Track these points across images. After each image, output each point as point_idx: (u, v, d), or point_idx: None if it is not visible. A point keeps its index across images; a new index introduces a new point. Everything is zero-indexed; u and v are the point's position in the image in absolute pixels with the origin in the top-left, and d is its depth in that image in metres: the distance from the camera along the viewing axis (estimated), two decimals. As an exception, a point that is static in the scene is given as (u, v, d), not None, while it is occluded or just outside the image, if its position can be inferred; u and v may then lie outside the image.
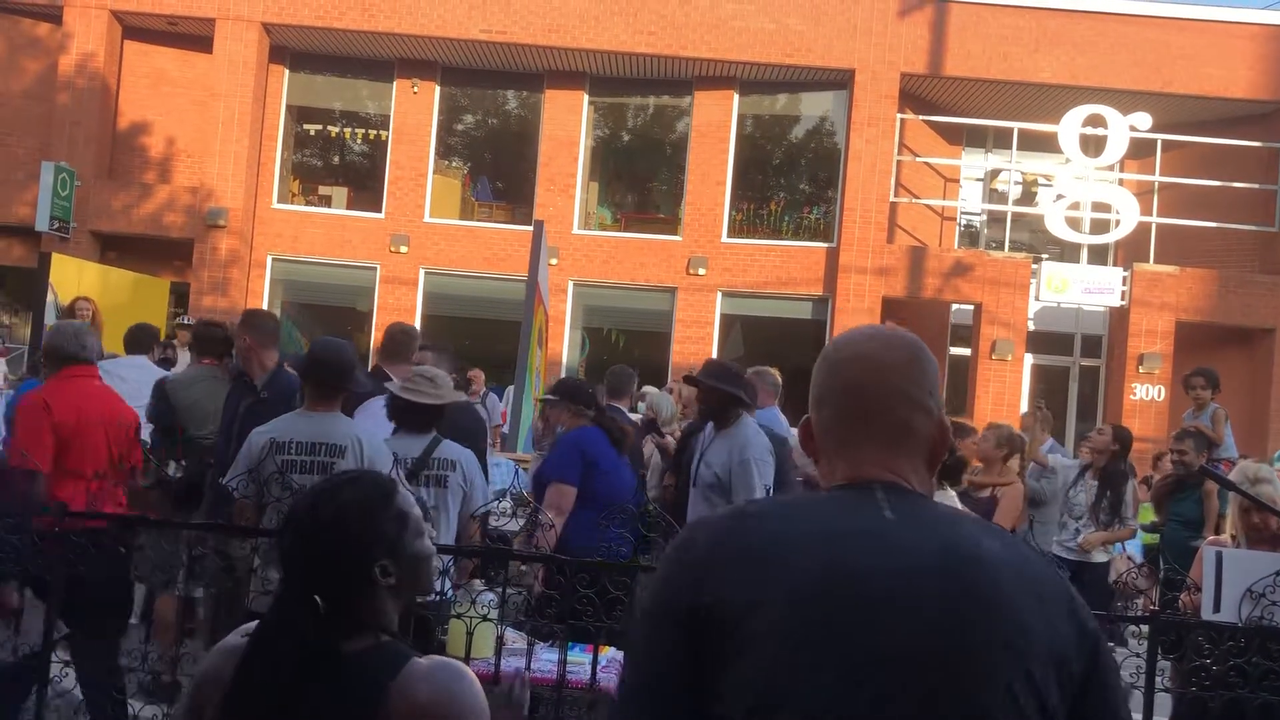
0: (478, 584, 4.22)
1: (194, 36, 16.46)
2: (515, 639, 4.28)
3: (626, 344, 17.03)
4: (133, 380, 6.30)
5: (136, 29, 16.65)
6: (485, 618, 3.91)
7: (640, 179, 18.17)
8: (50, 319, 11.15)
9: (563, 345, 16.04)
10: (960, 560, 1.35)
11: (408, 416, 4.69)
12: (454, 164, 17.80)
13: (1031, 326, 16.18)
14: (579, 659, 4.09)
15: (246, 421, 4.99)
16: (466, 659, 3.62)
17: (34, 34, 16.63)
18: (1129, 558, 7.73)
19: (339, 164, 18.09)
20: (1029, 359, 16.39)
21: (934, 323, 16.35)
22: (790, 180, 17.90)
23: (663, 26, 15.86)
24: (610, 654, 4.29)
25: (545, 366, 10.11)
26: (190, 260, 15.95)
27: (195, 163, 16.62)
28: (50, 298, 11.46)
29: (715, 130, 16.61)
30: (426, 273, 16.60)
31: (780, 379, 7.78)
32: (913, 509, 1.41)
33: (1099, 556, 7.27)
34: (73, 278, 12.11)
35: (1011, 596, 1.33)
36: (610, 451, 5.48)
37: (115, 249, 16.25)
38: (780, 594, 1.31)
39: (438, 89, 17.01)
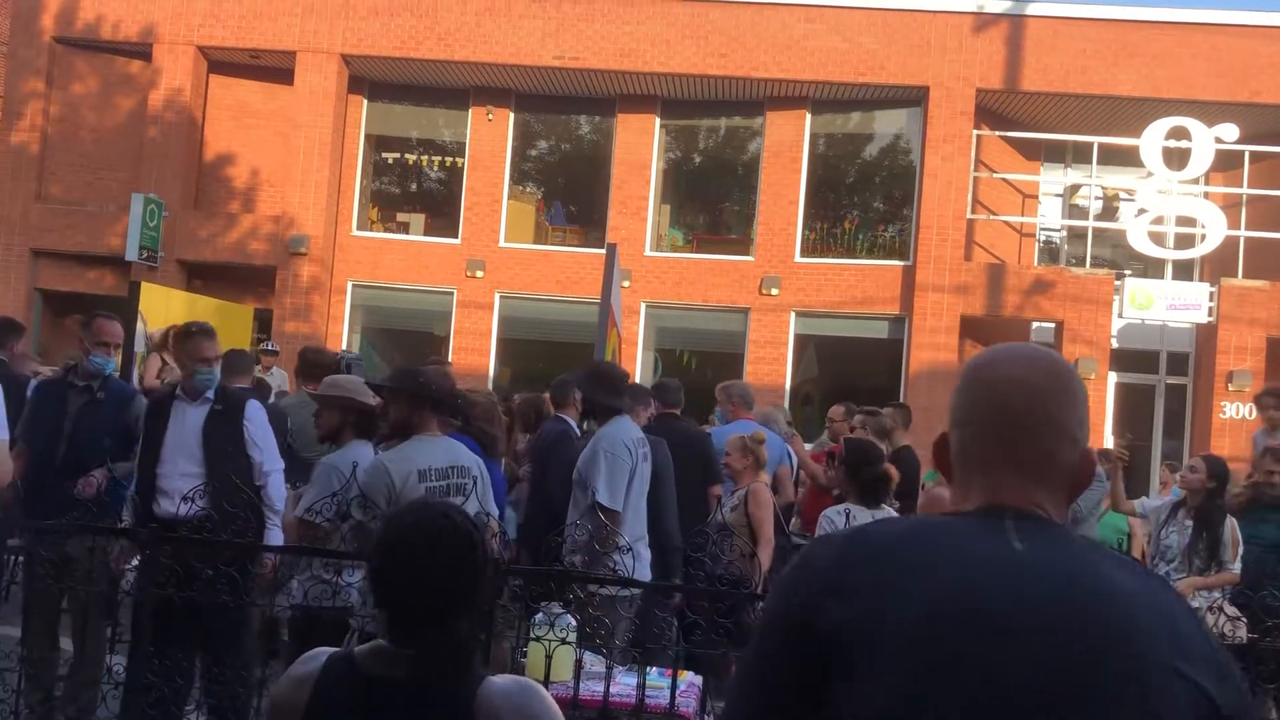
0: (556, 607, 4.23)
1: (276, 69, 16.91)
2: (593, 662, 4.27)
3: (699, 365, 17.00)
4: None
5: (221, 63, 17.16)
6: (564, 641, 3.92)
7: (712, 200, 18.17)
8: (140, 346, 11.48)
9: (636, 367, 16.06)
10: (1089, 593, 1.30)
11: None
12: (528, 189, 17.99)
13: (1115, 344, 15.81)
14: (658, 683, 4.07)
15: (81, 421, 5.33)
16: (546, 683, 3.62)
17: (126, 71, 17.22)
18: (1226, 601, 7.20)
19: (416, 191, 18.40)
20: (1113, 377, 16.01)
21: (1014, 341, 16.04)
22: (864, 198, 17.74)
23: (734, 48, 15.89)
24: (689, 678, 4.27)
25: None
26: (273, 287, 16.33)
27: (277, 192, 17.03)
28: (140, 325, 11.78)
29: (787, 150, 16.56)
30: (502, 297, 16.78)
31: (751, 393, 8.05)
32: (1045, 540, 1.36)
33: (1195, 603, 6.92)
34: (161, 305, 12.44)
35: (1144, 633, 1.27)
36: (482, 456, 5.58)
37: (201, 277, 16.71)
38: (898, 619, 1.28)
39: (512, 115, 17.23)
